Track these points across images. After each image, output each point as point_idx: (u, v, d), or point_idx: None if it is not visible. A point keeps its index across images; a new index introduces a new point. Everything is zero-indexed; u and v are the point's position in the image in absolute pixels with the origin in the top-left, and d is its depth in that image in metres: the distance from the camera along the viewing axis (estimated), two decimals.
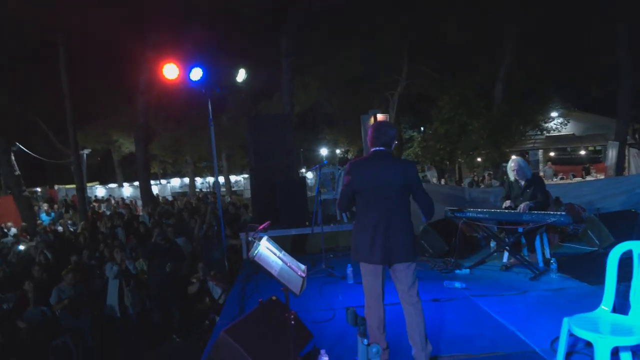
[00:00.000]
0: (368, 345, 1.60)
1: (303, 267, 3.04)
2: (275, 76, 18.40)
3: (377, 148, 3.31)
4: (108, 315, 7.26)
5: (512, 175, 5.74)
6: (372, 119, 10.88)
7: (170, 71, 6.17)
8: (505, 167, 18.45)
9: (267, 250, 2.80)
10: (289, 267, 2.86)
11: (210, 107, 6.50)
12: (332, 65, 20.36)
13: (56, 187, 29.42)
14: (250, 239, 2.77)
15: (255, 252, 2.64)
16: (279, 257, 2.86)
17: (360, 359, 1.64)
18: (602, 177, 18.42)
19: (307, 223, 7.11)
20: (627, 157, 16.85)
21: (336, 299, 5.03)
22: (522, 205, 5.44)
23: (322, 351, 3.26)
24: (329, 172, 7.66)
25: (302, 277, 2.91)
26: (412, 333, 3.22)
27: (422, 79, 22.51)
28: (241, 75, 7.17)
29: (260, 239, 2.82)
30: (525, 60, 20.69)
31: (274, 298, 3.72)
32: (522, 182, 5.67)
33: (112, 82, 19.29)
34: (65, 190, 27.68)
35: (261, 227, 3.01)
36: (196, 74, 6.26)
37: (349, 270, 5.57)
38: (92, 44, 15.34)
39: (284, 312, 3.63)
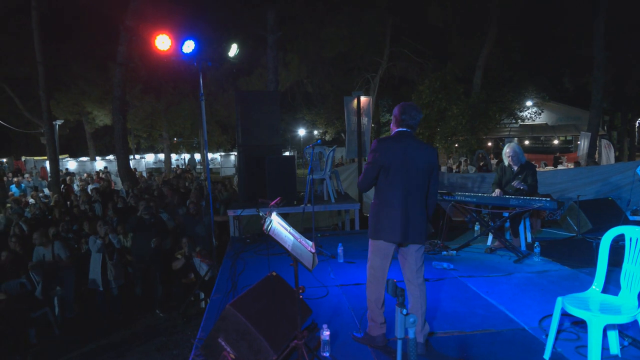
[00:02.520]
0: (406, 315, 1.65)
1: (311, 243, 3.08)
2: (256, 52, 18.14)
3: (403, 129, 3.30)
4: (90, 289, 7.16)
5: (506, 161, 5.88)
6: (355, 101, 10.92)
7: (163, 42, 6.01)
8: (480, 153, 18.91)
9: (279, 226, 2.81)
10: (300, 242, 2.89)
11: (201, 81, 6.37)
12: (314, 42, 20.17)
13: (23, 158, 28.47)
14: (261, 214, 2.77)
15: (269, 227, 2.65)
16: (289, 233, 2.88)
17: (398, 328, 1.69)
18: (572, 166, 19.02)
19: (295, 202, 7.12)
20: (598, 148, 17.43)
21: (328, 277, 5.10)
22: (515, 182, 5.61)
23: (324, 326, 3.35)
24: (317, 152, 7.65)
25: (312, 252, 2.95)
26: (414, 314, 3.31)
27: (403, 62, 22.58)
28: (233, 50, 7.03)
29: (270, 214, 2.83)
30: (504, 49, 21.06)
31: (273, 274, 3.75)
32: (515, 168, 5.82)
33: (88, 51, 18.63)
34: (34, 161, 26.81)
35: (273, 202, 3.02)
36: (188, 46, 6.12)
37: (340, 249, 5.65)
38: (68, 9, 14.71)
39: (284, 288, 3.69)
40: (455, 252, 5.85)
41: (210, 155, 29.74)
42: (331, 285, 4.84)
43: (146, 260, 7.24)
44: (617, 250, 3.35)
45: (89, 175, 19.75)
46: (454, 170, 18.36)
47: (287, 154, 26.96)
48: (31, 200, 13.33)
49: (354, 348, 3.45)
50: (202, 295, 7.13)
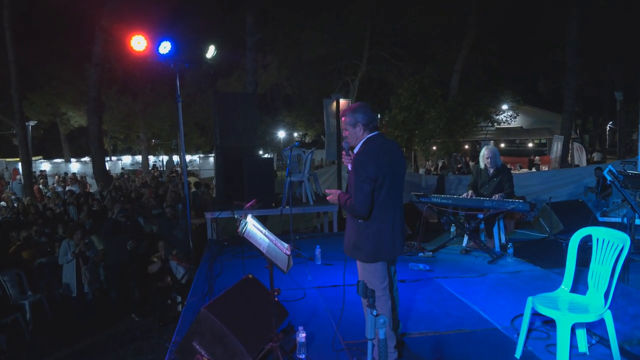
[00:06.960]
0: (376, 316, 1.67)
1: (286, 245, 3.08)
2: (235, 54, 18.05)
3: (375, 132, 3.00)
4: (63, 294, 7.01)
5: (482, 163, 5.95)
6: (334, 104, 10.97)
7: (138, 43, 5.94)
8: (455, 155, 19.17)
9: (254, 228, 2.81)
10: (275, 244, 2.90)
11: (178, 83, 6.32)
12: (294, 45, 20.24)
13: None
14: (237, 216, 2.77)
15: (244, 229, 2.65)
16: (265, 235, 2.88)
17: (369, 329, 1.71)
18: (546, 168, 19.49)
19: (273, 205, 7.11)
20: (570, 151, 17.89)
21: (305, 279, 5.11)
22: (496, 196, 5.67)
23: (300, 328, 3.35)
24: (295, 154, 7.66)
25: (288, 254, 2.95)
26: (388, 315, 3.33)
27: (382, 65, 22.81)
28: (211, 51, 7.00)
29: (245, 216, 2.83)
30: (481, 54, 21.48)
31: (250, 276, 3.74)
32: (491, 171, 5.92)
33: (63, 51, 18.26)
34: (6, 163, 26.10)
35: (248, 204, 3.01)
36: (165, 47, 6.06)
37: (317, 251, 5.67)
38: (42, 8, 14.42)
39: (260, 290, 3.69)
40: (431, 253, 5.93)
41: (188, 157, 29.47)
42: (308, 287, 4.85)
43: (122, 264, 7.13)
44: (587, 250, 3.44)
45: (59, 176, 19.35)
46: (431, 173, 18.58)
47: (266, 156, 26.90)
48: (2, 203, 13.00)
49: (329, 350, 3.46)
50: (179, 299, 7.05)
